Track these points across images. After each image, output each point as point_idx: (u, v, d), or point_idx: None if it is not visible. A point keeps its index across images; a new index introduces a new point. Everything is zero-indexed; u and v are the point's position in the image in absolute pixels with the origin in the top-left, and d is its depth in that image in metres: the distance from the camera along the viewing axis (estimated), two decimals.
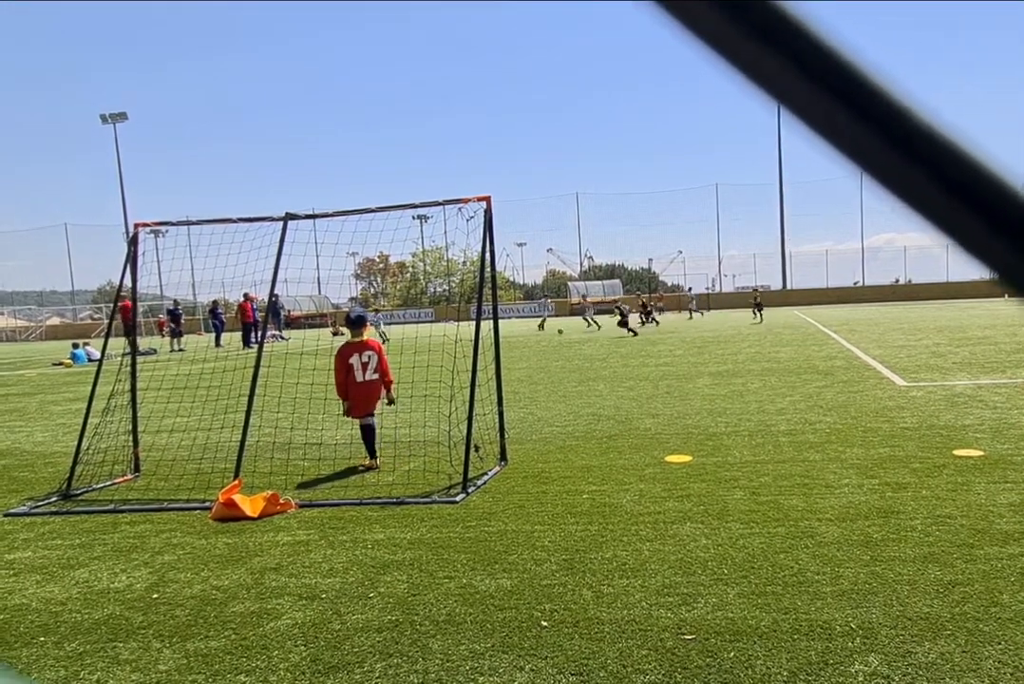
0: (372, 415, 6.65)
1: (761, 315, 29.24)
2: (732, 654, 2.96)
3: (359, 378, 6.51)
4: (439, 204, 6.50)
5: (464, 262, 60.79)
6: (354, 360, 6.54)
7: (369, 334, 6.76)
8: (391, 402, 6.72)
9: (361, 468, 6.54)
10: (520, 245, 69.03)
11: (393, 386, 6.77)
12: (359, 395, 6.53)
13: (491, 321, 6.68)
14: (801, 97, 0.40)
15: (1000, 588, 3.42)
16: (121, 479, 6.61)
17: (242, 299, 25.52)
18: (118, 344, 9.52)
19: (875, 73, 0.39)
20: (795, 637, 3.07)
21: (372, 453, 6.60)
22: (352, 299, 65.19)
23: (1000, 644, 2.92)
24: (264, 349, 6.60)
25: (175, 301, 28.87)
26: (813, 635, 3.08)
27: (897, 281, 54.89)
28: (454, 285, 63.34)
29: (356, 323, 6.67)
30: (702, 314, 39.24)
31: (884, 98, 0.40)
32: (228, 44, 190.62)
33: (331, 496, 5.67)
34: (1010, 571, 3.60)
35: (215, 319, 26.79)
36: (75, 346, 24.54)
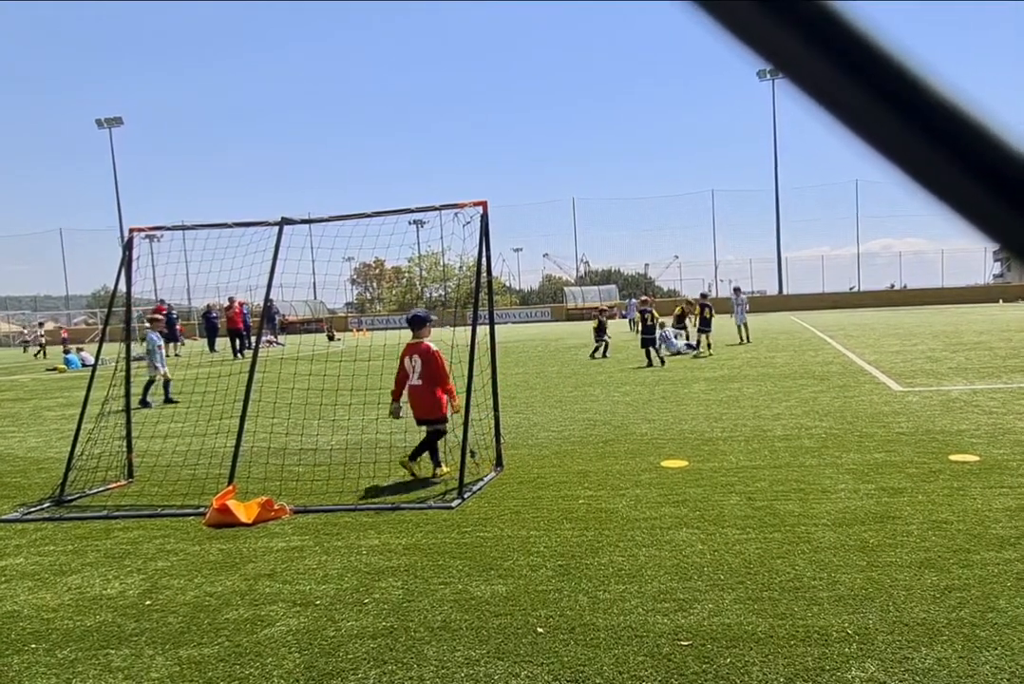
0: (432, 422, 6.33)
1: (657, 354, 15.06)
2: (728, 660, 2.94)
3: (412, 381, 6.30)
4: (435, 209, 6.50)
5: (460, 267, 60.78)
6: (407, 362, 6.34)
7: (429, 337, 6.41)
8: (455, 411, 6.32)
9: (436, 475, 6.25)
10: (516, 250, 69.30)
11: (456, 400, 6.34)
12: (410, 397, 6.34)
13: (487, 326, 6.67)
14: (802, 58, 0.39)
15: (997, 593, 3.41)
16: (115, 485, 6.58)
17: (227, 303, 23.66)
18: (113, 349, 9.47)
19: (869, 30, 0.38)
20: (792, 643, 3.06)
21: (435, 461, 6.29)
22: (348, 304, 65.13)
23: (997, 649, 2.91)
24: (259, 354, 6.58)
25: (168, 306, 28.39)
26: (810, 641, 3.07)
27: (893, 286, 55.00)
28: (450, 290, 63.31)
29: (414, 323, 6.47)
30: None
31: (875, 54, 0.38)
32: (222, 47, 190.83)
33: (325, 502, 5.64)
34: (1006, 576, 3.59)
35: (208, 323, 26.65)
36: (66, 352, 24.40)
